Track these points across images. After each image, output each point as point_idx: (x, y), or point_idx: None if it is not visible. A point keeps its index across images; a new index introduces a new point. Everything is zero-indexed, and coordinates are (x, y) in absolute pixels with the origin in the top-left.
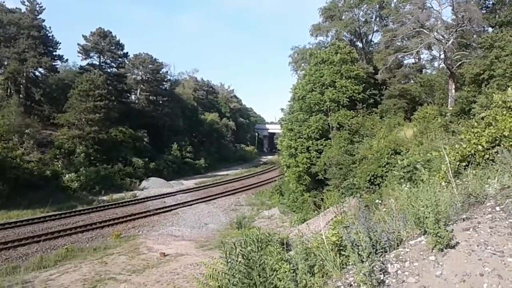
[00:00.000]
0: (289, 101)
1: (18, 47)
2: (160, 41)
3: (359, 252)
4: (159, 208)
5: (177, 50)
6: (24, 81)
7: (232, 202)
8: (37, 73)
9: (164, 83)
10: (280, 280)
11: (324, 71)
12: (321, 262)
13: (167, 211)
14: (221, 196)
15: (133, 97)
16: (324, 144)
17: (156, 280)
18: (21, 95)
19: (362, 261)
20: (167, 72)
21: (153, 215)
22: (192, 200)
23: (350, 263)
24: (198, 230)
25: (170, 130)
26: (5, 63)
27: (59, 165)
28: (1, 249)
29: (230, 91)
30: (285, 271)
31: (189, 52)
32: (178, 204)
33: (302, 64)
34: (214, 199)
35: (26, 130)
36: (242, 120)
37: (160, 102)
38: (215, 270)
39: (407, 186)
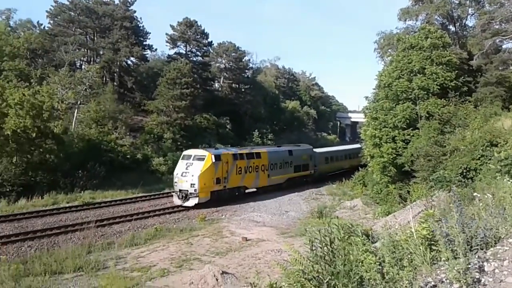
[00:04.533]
0: (374, 89)
1: (112, 38)
2: (243, 30)
3: (453, 248)
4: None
5: (259, 38)
6: (117, 69)
7: (313, 191)
8: (129, 62)
9: (247, 71)
10: (367, 271)
11: (413, 57)
12: (409, 255)
13: (249, 197)
14: (302, 185)
15: (216, 85)
16: (411, 134)
17: (239, 264)
18: (115, 83)
19: (456, 258)
20: (249, 60)
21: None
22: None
23: (442, 259)
24: (279, 217)
25: (252, 118)
26: (101, 52)
27: (149, 150)
28: (98, 226)
29: (312, 78)
30: (371, 263)
31: (272, 40)
32: (258, 190)
33: (389, 50)
34: (294, 187)
35: (120, 116)
36: (323, 108)
37: (242, 89)
38: (299, 255)
39: (510, 180)
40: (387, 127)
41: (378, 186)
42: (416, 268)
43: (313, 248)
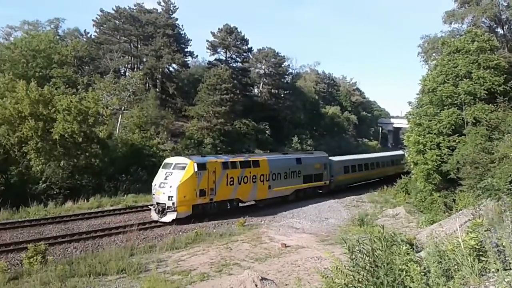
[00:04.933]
0: (417, 94)
1: (155, 45)
2: (283, 35)
3: (504, 259)
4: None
5: (299, 43)
6: (159, 76)
7: (354, 198)
8: (171, 69)
9: (286, 76)
10: (413, 282)
11: (459, 61)
12: (456, 266)
13: (289, 203)
14: (342, 192)
15: (256, 90)
16: (457, 141)
17: (278, 270)
18: (157, 89)
19: (505, 269)
20: (289, 65)
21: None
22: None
23: (491, 270)
24: (319, 224)
25: (291, 123)
26: (144, 59)
27: (189, 155)
28: (140, 229)
29: (353, 83)
30: (416, 273)
31: (312, 45)
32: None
33: (433, 54)
34: (334, 193)
35: (161, 122)
36: (364, 114)
37: (282, 95)
38: (341, 264)
39: None
40: (431, 133)
41: (422, 194)
42: (463, 279)
43: (353, 257)
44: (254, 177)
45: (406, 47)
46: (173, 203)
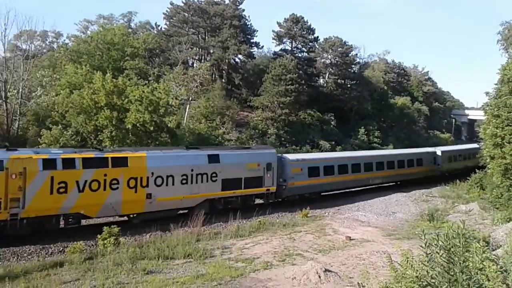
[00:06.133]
0: (495, 84)
1: (222, 36)
2: (351, 23)
3: None
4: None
5: (368, 31)
6: (226, 67)
7: (423, 192)
8: (237, 60)
9: (353, 66)
10: (489, 280)
11: None
12: None
13: (355, 195)
14: (411, 185)
15: (321, 80)
16: None
17: (342, 263)
18: (223, 80)
19: None
20: (356, 54)
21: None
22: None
23: None
24: (385, 218)
25: (358, 114)
26: (211, 51)
27: (254, 145)
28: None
29: (424, 73)
30: (493, 272)
31: (381, 34)
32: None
33: None
34: (402, 187)
35: (227, 112)
36: (437, 104)
37: (348, 85)
38: (413, 258)
39: None
40: (510, 126)
41: (498, 190)
42: None
43: (429, 252)
44: (115, 181)
45: (483, 34)
46: None
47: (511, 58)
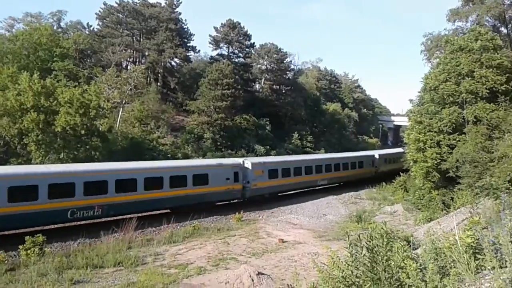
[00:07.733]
0: (419, 92)
1: (157, 39)
2: (286, 31)
3: (500, 257)
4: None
5: (301, 39)
6: (161, 70)
7: (352, 194)
8: (173, 63)
9: (288, 72)
10: (409, 278)
11: (461, 60)
12: (452, 263)
13: (286, 199)
14: (340, 188)
15: (257, 86)
16: (457, 139)
17: (275, 265)
18: (158, 83)
19: (501, 267)
20: (291, 61)
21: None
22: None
23: (488, 268)
24: (316, 220)
25: (292, 119)
26: (146, 53)
27: (189, 149)
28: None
29: (354, 81)
30: (413, 269)
31: (314, 42)
32: (296, 192)
33: (436, 52)
34: (333, 190)
35: (162, 116)
36: (365, 111)
37: (283, 91)
38: (339, 259)
39: None
40: (432, 131)
41: (420, 192)
42: (458, 276)
43: (353, 252)
44: None
45: (408, 45)
46: None
47: (433, 68)
